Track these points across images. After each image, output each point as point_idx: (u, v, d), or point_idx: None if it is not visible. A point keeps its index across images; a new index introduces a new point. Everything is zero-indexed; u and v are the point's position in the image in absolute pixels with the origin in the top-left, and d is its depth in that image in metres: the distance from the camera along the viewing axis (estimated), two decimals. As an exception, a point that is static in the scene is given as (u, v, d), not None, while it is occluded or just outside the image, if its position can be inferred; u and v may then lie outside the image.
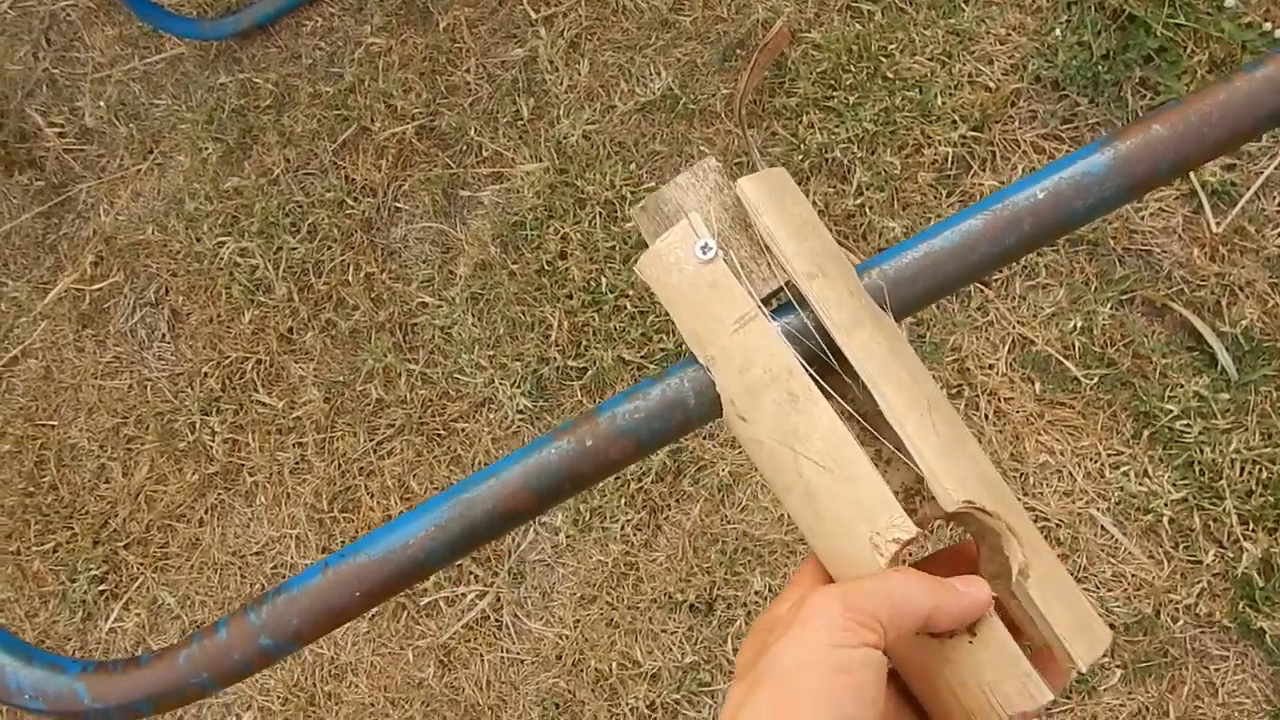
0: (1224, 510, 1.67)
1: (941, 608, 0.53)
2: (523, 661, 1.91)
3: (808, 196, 1.87)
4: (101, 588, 2.16)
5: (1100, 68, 1.78)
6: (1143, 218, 1.78)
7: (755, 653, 0.53)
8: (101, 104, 2.40)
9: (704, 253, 0.61)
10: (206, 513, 2.14)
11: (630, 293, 1.93)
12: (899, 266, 0.63)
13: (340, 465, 2.07)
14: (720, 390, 0.62)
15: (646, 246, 0.64)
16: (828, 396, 0.58)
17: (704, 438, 1.88)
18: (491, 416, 2.00)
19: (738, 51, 1.99)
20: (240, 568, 2.10)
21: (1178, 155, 0.59)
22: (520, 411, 1.97)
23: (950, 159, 1.84)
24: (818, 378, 0.58)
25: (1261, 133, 0.60)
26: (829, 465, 0.57)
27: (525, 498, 0.64)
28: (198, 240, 2.24)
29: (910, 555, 0.58)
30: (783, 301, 0.62)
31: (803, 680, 0.48)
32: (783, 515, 1.81)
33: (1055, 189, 0.60)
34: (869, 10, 1.93)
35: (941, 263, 0.62)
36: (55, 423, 2.28)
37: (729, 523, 1.86)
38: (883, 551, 0.55)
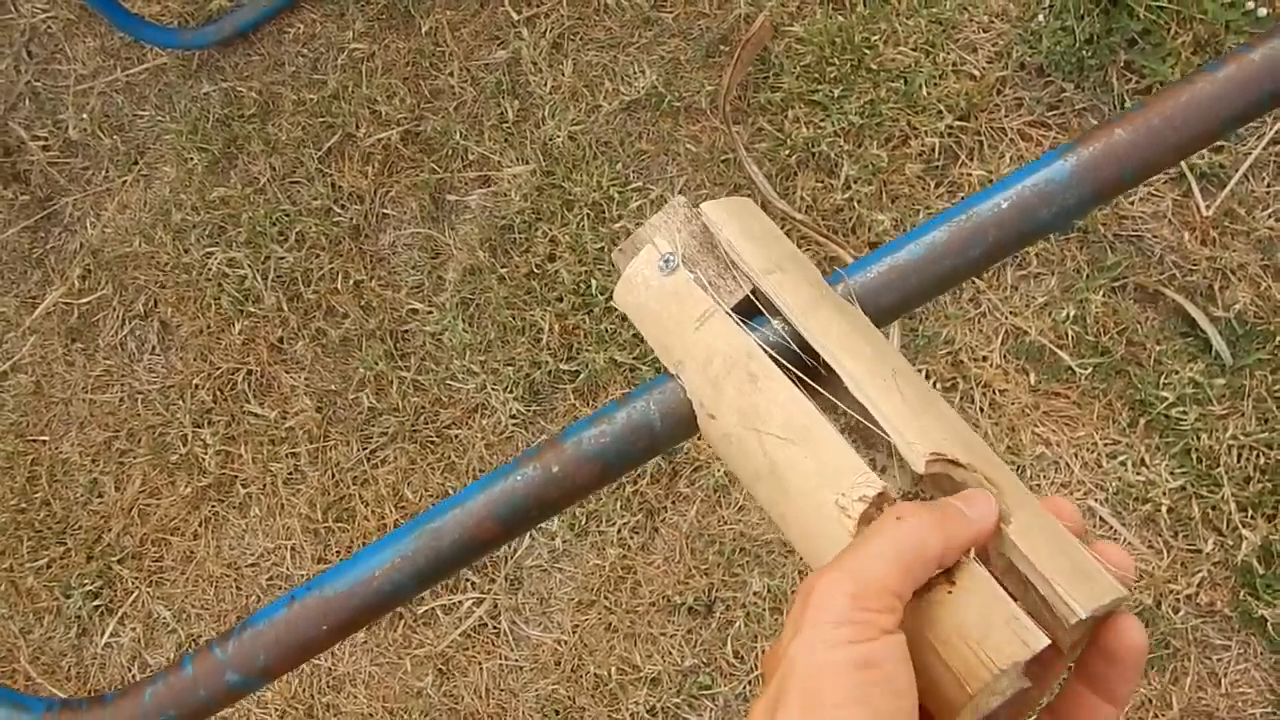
0: (1222, 498, 1.65)
1: (952, 544, 0.48)
2: (521, 668, 1.91)
3: (795, 192, 1.86)
4: (96, 603, 2.15)
5: (1085, 52, 1.76)
6: (1132, 203, 1.76)
7: (775, 661, 0.48)
8: (85, 116, 2.39)
9: (666, 264, 0.63)
10: (200, 525, 2.13)
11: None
12: (865, 280, 0.62)
13: (334, 475, 2.06)
14: (690, 395, 0.62)
15: None
16: (787, 373, 0.58)
17: (698, 438, 1.87)
18: (485, 422, 1.99)
19: (721, 47, 1.97)
20: (236, 580, 2.09)
21: (1142, 160, 0.57)
22: (513, 416, 1.95)
23: (937, 149, 1.83)
24: (776, 356, 0.58)
25: (1226, 133, 0.58)
26: (790, 436, 0.56)
27: (491, 526, 0.64)
28: (185, 251, 2.23)
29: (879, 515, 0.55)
30: (751, 312, 0.63)
31: (826, 687, 0.44)
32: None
33: (1019, 198, 0.59)
34: (850, 1, 1.91)
35: (908, 275, 0.61)
36: (46, 438, 2.27)
37: (726, 523, 1.84)
38: (850, 513, 0.53)
